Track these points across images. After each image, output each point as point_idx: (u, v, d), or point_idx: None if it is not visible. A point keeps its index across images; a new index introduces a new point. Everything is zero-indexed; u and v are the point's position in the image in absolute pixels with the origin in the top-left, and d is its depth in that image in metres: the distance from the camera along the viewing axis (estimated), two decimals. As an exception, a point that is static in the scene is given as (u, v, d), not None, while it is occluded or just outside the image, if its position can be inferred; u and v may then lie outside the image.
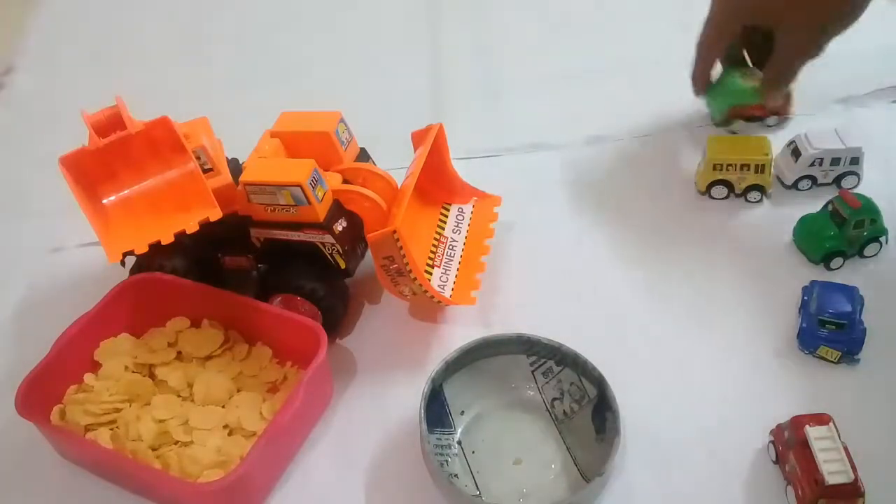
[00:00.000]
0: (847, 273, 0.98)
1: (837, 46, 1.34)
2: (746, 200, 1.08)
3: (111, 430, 0.83)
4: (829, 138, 1.06)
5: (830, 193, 1.03)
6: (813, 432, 0.76)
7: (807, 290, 0.94)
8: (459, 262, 0.98)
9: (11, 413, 0.79)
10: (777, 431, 0.81)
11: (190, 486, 0.78)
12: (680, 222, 1.06)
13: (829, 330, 0.88)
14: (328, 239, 0.89)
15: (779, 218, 1.04)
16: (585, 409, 0.84)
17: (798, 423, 0.78)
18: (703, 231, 1.05)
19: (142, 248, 0.87)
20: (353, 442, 0.85)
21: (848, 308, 0.89)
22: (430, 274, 0.95)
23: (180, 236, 0.87)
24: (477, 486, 0.80)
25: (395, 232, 0.82)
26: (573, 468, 0.81)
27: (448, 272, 0.96)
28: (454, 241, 0.99)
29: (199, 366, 0.90)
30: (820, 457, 0.74)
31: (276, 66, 1.37)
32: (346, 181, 0.94)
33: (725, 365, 0.90)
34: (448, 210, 1.03)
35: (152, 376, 0.89)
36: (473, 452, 0.83)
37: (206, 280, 0.92)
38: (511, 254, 1.03)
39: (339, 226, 0.89)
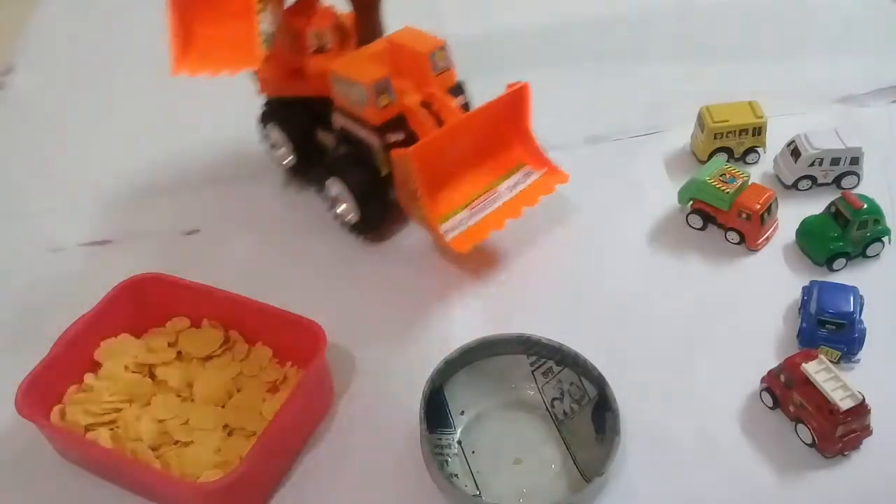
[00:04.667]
0: (848, 273, 0.98)
1: (837, 46, 1.35)
2: (745, 163, 1.12)
3: (111, 430, 0.84)
4: (829, 138, 1.06)
5: (830, 193, 1.03)
6: (811, 368, 0.80)
7: (807, 290, 0.94)
8: (488, 214, 0.99)
9: (11, 413, 0.79)
10: (769, 378, 0.84)
11: (190, 486, 0.78)
12: (680, 222, 1.06)
13: (829, 330, 0.88)
14: (378, 143, 0.96)
15: (780, 218, 1.04)
16: (585, 409, 0.84)
17: (792, 364, 0.82)
18: (704, 231, 1.05)
19: (198, 73, 0.95)
20: (353, 442, 0.85)
21: (848, 308, 0.89)
22: (456, 215, 0.97)
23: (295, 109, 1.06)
24: (477, 485, 0.80)
25: (409, 156, 0.90)
26: (573, 468, 0.81)
27: (472, 219, 0.98)
28: (501, 196, 1.01)
29: (199, 366, 0.90)
30: (826, 387, 0.78)
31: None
32: (425, 103, 0.98)
33: (726, 365, 0.90)
34: (518, 169, 1.04)
35: (152, 376, 0.89)
36: (473, 452, 0.83)
37: (304, 152, 1.07)
38: (511, 254, 1.04)
39: (394, 136, 0.96)
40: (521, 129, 1.03)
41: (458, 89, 1.03)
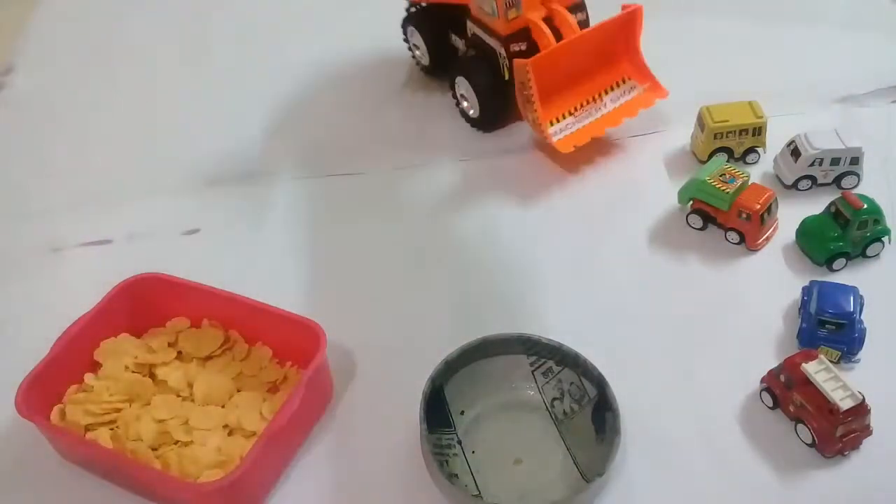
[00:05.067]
0: (847, 273, 0.98)
1: (837, 46, 1.35)
2: (745, 163, 1.12)
3: (111, 429, 0.84)
4: (829, 138, 1.06)
5: (830, 194, 1.03)
6: (811, 368, 0.80)
7: (806, 290, 0.94)
8: (591, 122, 1.12)
9: (11, 413, 0.79)
10: (769, 378, 0.85)
11: (190, 486, 0.78)
12: (680, 222, 1.06)
13: (829, 330, 0.88)
14: (503, 51, 1.11)
15: (780, 218, 1.04)
16: (586, 409, 0.84)
17: (792, 364, 0.82)
18: (704, 231, 1.05)
19: None
20: (353, 442, 0.85)
21: (848, 308, 0.89)
22: (562, 119, 1.11)
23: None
24: (477, 485, 0.80)
25: (528, 66, 1.03)
26: (573, 468, 0.81)
27: (576, 124, 1.12)
28: (605, 106, 1.14)
29: (199, 366, 0.90)
30: (826, 387, 0.79)
31: (275, 63, 1.37)
32: (547, 18, 1.10)
33: (726, 365, 0.90)
34: (624, 83, 1.16)
35: (152, 376, 0.89)
36: (474, 452, 0.83)
37: (436, 54, 1.24)
38: (512, 253, 1.04)
39: (517, 46, 1.10)
40: (632, 47, 1.15)
41: (578, 7, 1.14)
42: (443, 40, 1.24)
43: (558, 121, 1.11)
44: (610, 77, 1.15)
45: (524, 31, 1.11)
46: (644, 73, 1.16)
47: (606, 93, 1.15)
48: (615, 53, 1.15)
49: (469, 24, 1.16)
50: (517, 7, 1.09)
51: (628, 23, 1.13)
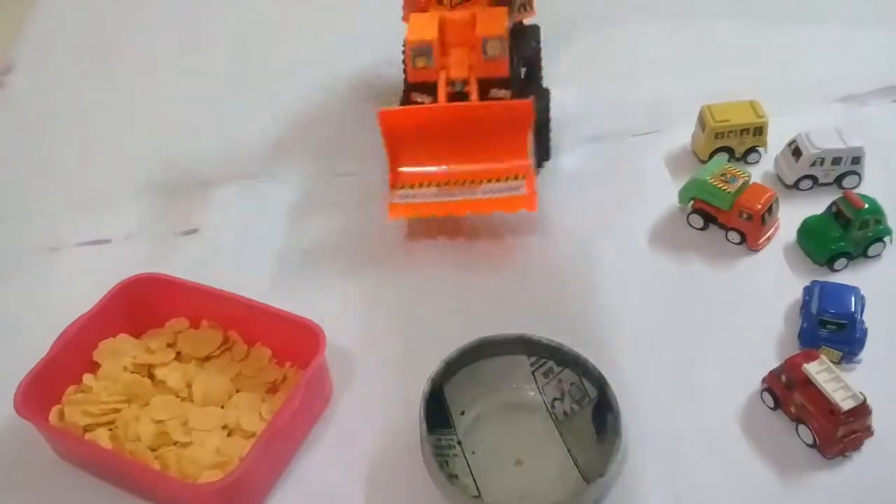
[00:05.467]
0: (849, 273, 0.98)
1: (838, 44, 1.34)
2: (746, 162, 1.12)
3: (110, 430, 0.83)
4: (831, 138, 1.06)
5: (832, 193, 1.03)
6: (812, 368, 0.80)
7: (808, 290, 0.93)
8: (445, 201, 1.01)
9: (10, 413, 0.79)
10: (771, 378, 0.84)
11: (189, 487, 0.78)
12: (681, 221, 1.06)
13: (830, 330, 0.88)
14: (403, 100, 1.05)
15: (781, 218, 1.04)
16: (586, 410, 0.83)
17: (793, 364, 0.82)
18: (705, 231, 1.04)
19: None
20: (352, 442, 0.85)
21: (849, 308, 0.88)
22: (424, 187, 1.02)
23: None
24: (477, 486, 0.80)
25: (379, 115, 0.98)
26: (574, 469, 0.81)
27: (434, 198, 1.01)
28: (477, 192, 1.02)
29: (198, 366, 0.89)
30: (827, 388, 0.79)
31: (274, 63, 1.36)
32: (462, 81, 1.02)
33: (727, 365, 0.90)
34: (514, 179, 1.03)
35: (151, 377, 0.88)
36: (474, 453, 0.83)
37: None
38: (512, 254, 1.03)
39: (419, 98, 1.03)
40: (520, 144, 1.01)
41: (502, 83, 1.04)
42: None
43: (419, 186, 1.02)
44: (501, 169, 1.02)
45: (431, 85, 1.03)
46: (529, 178, 1.02)
47: (489, 181, 1.02)
48: (508, 144, 1.02)
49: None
50: (427, 58, 1.02)
51: (515, 115, 1.00)
